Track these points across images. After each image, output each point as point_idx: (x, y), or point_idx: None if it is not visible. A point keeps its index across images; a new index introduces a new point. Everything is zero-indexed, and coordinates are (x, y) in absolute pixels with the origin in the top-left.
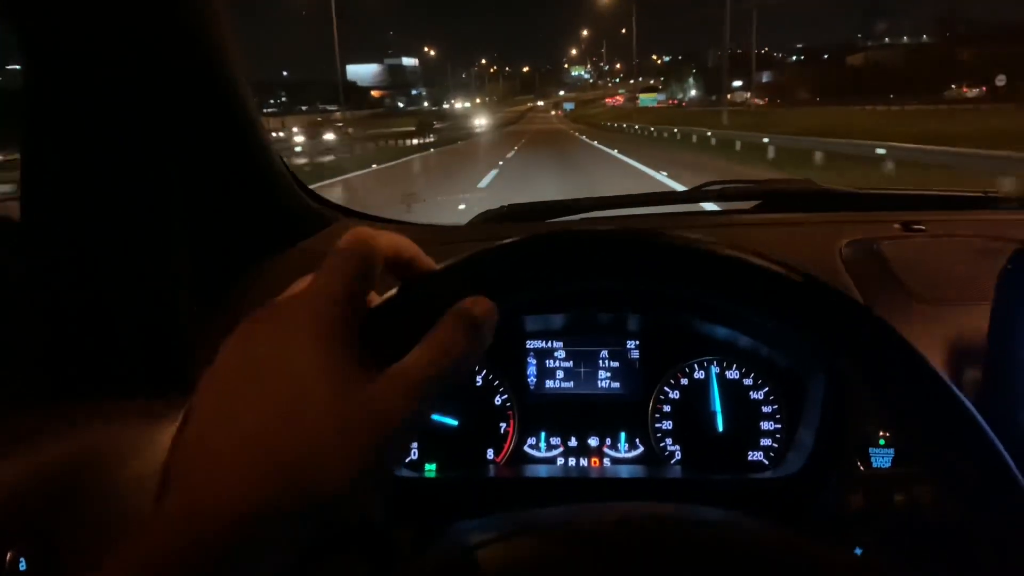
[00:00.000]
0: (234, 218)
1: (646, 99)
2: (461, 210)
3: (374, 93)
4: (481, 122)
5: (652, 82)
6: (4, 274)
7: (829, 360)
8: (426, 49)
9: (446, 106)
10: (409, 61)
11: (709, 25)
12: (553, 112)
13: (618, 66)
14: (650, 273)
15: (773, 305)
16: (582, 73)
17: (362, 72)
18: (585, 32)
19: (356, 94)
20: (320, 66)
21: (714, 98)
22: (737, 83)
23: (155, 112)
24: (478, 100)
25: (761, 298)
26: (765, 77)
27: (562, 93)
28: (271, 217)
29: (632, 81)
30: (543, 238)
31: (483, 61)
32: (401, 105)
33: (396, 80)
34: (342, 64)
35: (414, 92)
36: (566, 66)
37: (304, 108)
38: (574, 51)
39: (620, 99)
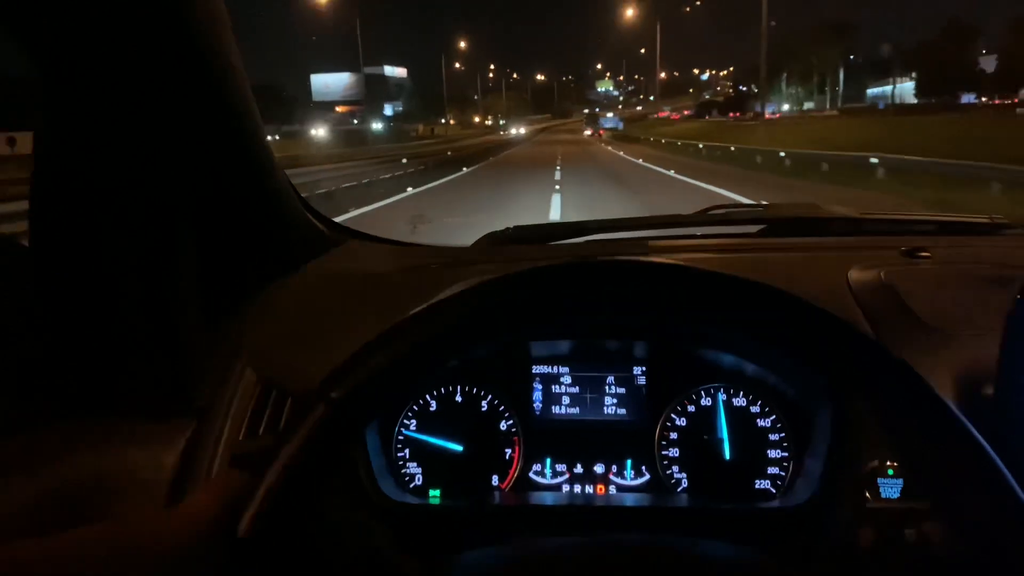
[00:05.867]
0: (241, 237)
1: None
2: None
3: (339, 109)
4: None
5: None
6: (10, 293)
7: (843, 397)
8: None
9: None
10: (393, 71)
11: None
12: (587, 132)
13: (662, 76)
14: (670, 307)
15: (790, 344)
16: (610, 89)
17: (331, 83)
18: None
19: (306, 110)
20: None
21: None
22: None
23: (162, 130)
24: (477, 118)
25: (777, 336)
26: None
27: (587, 111)
28: (277, 236)
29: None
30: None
31: (462, 44)
32: (355, 122)
33: (373, 93)
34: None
35: (386, 108)
36: (600, 66)
37: None
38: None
39: (677, 114)
